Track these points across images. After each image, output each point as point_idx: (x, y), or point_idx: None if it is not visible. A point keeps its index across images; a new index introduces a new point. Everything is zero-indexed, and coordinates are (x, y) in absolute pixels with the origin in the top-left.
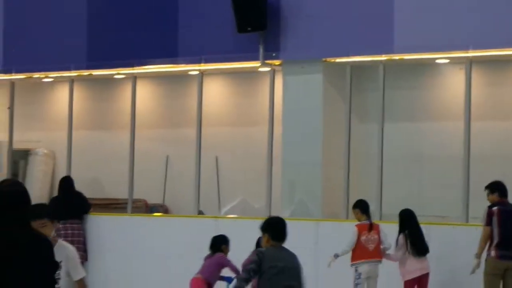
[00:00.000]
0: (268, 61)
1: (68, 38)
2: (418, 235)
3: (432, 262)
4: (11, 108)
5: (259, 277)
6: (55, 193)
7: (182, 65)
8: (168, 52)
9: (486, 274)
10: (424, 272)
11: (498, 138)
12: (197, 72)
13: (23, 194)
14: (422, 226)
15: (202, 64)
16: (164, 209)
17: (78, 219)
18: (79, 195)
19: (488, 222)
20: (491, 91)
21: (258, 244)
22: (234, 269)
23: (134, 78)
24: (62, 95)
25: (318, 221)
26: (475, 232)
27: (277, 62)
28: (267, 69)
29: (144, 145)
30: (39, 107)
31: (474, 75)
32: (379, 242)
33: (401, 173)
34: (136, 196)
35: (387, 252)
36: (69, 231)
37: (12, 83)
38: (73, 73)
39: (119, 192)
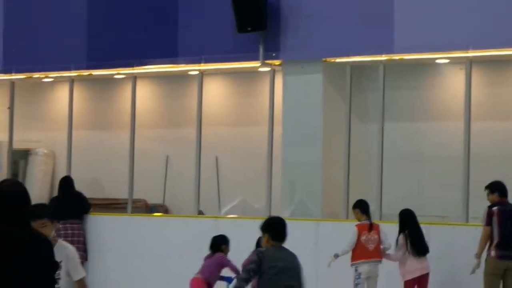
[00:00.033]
0: (268, 61)
1: (68, 38)
2: (418, 235)
3: (432, 262)
4: (11, 108)
5: (259, 277)
6: (55, 193)
7: (182, 65)
8: (168, 52)
9: (486, 274)
10: (424, 272)
11: (498, 138)
12: (197, 72)
13: (23, 194)
14: (422, 226)
15: (202, 64)
16: (164, 209)
17: (78, 219)
18: (79, 195)
19: (488, 222)
20: (491, 91)
21: (258, 244)
22: (234, 269)
23: (134, 78)
24: (62, 95)
25: (318, 221)
26: (475, 232)
27: (277, 62)
28: (267, 69)
29: (144, 145)
30: (39, 107)
31: (474, 75)
32: (379, 242)
33: (401, 173)
34: (136, 196)
35: (387, 252)
36: (69, 231)
37: (12, 83)
38: (73, 73)
39: (119, 192)
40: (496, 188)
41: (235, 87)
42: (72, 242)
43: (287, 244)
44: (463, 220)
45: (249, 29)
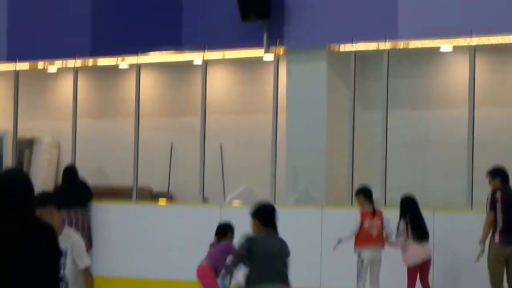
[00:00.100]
0: (272, 49)
1: (72, 27)
2: (418, 220)
3: (436, 249)
4: (15, 98)
5: (251, 263)
6: (60, 182)
7: (186, 53)
8: (172, 40)
9: (490, 261)
10: (426, 257)
11: (502, 125)
12: (201, 61)
13: (26, 183)
14: (426, 213)
15: (206, 52)
16: (169, 197)
17: (82, 208)
18: (83, 184)
19: (492, 208)
20: (495, 78)
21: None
22: None
23: (138, 67)
24: (67, 85)
25: (322, 208)
26: (479, 219)
27: (281, 50)
28: (271, 57)
29: (148, 133)
30: (43, 97)
31: (478, 62)
32: (382, 228)
33: (405, 161)
34: (140, 184)
35: (390, 239)
36: (73, 219)
37: (17, 72)
38: (77, 62)
39: (124, 181)
40: (498, 173)
41: (239, 76)
42: (76, 231)
43: (291, 232)
44: (467, 206)
45: (253, 17)
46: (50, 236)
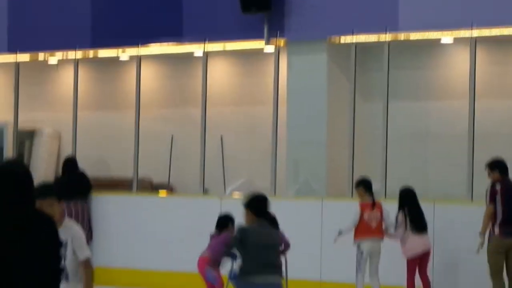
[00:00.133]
0: (272, 41)
1: (72, 18)
2: (416, 212)
3: (436, 241)
4: (16, 89)
5: (244, 254)
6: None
7: (187, 45)
8: (173, 32)
9: (490, 252)
10: (425, 248)
11: (503, 117)
12: (201, 53)
13: (25, 174)
14: (426, 205)
15: (207, 43)
16: (169, 189)
17: (82, 199)
18: (83, 175)
19: (491, 200)
20: (496, 70)
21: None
22: None
23: (138, 58)
24: (67, 76)
25: (323, 200)
26: (479, 211)
27: (281, 42)
28: (271, 49)
29: (149, 125)
30: (44, 88)
31: (479, 54)
32: (382, 220)
33: (406, 152)
34: (141, 175)
35: (389, 231)
36: (73, 211)
37: (17, 64)
38: (78, 54)
39: (125, 172)
40: (496, 166)
41: (240, 68)
42: (76, 222)
43: (291, 223)
44: (468, 198)
45: (253, 9)
46: (49, 226)
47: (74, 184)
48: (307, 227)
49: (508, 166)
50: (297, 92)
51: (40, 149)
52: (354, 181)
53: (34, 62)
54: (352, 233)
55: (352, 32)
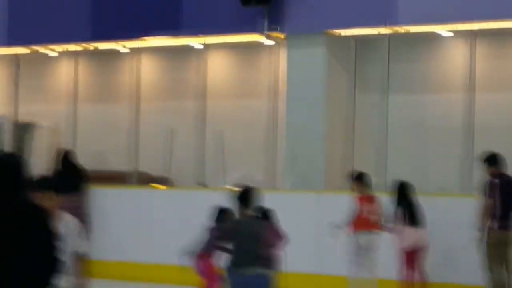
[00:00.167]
0: (272, 34)
1: (72, 12)
2: (413, 206)
3: (434, 234)
4: (16, 82)
5: (234, 246)
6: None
7: (186, 37)
8: (172, 25)
9: (489, 245)
10: (420, 241)
11: (501, 110)
12: (200, 46)
13: (17, 165)
14: (423, 198)
15: (206, 36)
16: (167, 182)
17: (80, 192)
18: (80, 168)
19: (490, 194)
20: (495, 63)
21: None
22: None
23: (138, 51)
24: (67, 69)
25: (320, 192)
26: (476, 204)
27: (281, 35)
28: (271, 42)
29: (148, 118)
30: (43, 81)
31: (478, 47)
32: (379, 213)
33: (405, 145)
34: (140, 168)
35: (386, 224)
36: (70, 204)
37: (17, 57)
38: (78, 47)
39: (123, 165)
40: (493, 160)
41: (239, 61)
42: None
43: (289, 216)
44: (466, 192)
45: (253, 2)
46: (41, 216)
47: (71, 177)
48: (304, 220)
49: (506, 159)
50: (296, 85)
51: (39, 142)
52: (353, 174)
53: (33, 55)
54: (350, 226)
55: (352, 26)
